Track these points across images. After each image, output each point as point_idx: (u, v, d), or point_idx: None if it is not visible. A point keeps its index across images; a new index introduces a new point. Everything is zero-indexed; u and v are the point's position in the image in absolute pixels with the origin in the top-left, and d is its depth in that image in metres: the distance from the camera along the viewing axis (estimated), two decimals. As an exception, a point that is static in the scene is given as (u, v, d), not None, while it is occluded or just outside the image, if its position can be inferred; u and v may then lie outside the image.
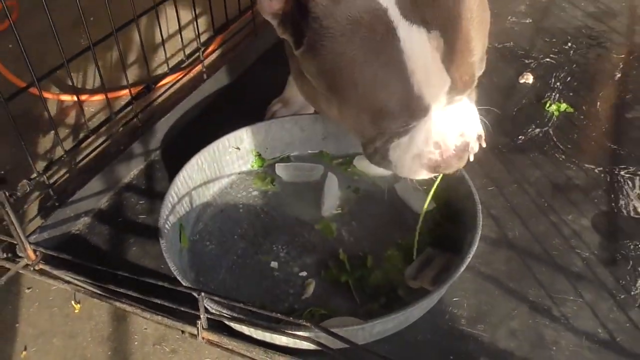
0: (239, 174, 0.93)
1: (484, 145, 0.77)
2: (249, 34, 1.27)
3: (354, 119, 0.70)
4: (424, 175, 0.71)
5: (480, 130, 0.82)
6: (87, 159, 0.92)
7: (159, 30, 1.05)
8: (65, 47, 0.79)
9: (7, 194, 0.65)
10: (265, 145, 0.94)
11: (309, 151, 0.96)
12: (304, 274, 0.77)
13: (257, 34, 1.26)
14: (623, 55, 1.20)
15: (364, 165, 0.92)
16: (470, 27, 0.63)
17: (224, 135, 0.89)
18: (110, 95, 0.99)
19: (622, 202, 0.86)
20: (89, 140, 0.92)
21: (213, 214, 0.87)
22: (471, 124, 0.70)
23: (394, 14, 0.59)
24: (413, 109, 0.64)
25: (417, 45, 0.60)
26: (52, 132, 1.03)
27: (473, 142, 0.70)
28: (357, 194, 0.90)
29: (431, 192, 0.78)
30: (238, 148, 0.91)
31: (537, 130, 1.01)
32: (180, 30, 1.10)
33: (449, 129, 0.67)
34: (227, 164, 0.91)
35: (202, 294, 0.61)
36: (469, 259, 0.69)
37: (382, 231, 0.83)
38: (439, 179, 0.77)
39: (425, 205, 0.78)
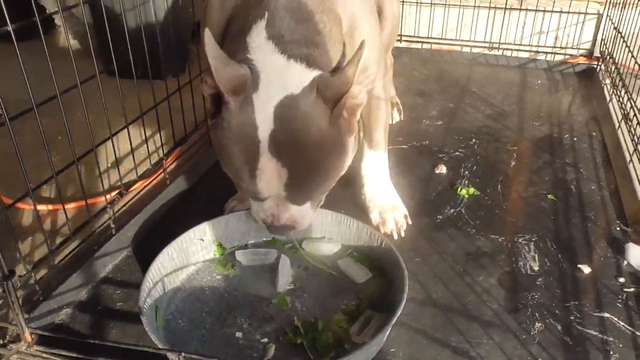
0: (203, 262, 1.07)
1: (409, 222, 1.11)
2: (204, 144, 1.47)
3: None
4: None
5: (405, 212, 1.11)
6: (67, 257, 1.05)
7: (128, 144, 1.22)
8: (36, 165, 0.92)
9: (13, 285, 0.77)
10: (225, 235, 1.09)
11: (264, 239, 1.13)
12: (265, 340, 0.90)
13: (212, 144, 1.45)
14: (516, 147, 1.47)
15: (311, 247, 1.10)
16: (315, 178, 0.86)
17: (189, 229, 1.05)
18: (89, 201, 1.13)
19: (521, 263, 1.06)
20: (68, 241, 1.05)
21: (183, 296, 0.99)
22: (300, 218, 0.93)
23: (263, 147, 0.81)
24: (257, 195, 0.88)
25: (269, 170, 0.83)
26: (29, 238, 1.16)
27: (300, 225, 0.94)
28: (306, 271, 1.05)
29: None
30: (202, 239, 1.07)
31: (452, 210, 1.22)
32: (147, 142, 1.28)
33: (281, 214, 0.91)
34: (193, 254, 1.06)
35: (182, 354, 0.74)
36: (396, 317, 0.85)
37: (329, 300, 0.98)
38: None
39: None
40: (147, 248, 1.09)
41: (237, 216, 1.10)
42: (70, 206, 1.25)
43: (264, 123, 0.81)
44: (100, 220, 1.12)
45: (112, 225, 1.12)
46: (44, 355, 0.83)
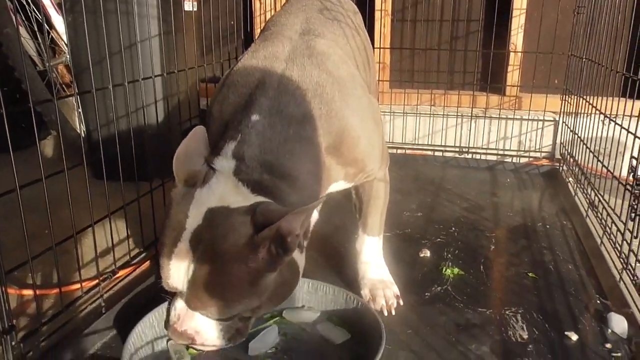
0: None
1: (401, 303, 1.16)
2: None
3: None
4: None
5: (397, 292, 1.19)
6: (56, 333, 1.03)
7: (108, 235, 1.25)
8: (19, 255, 0.92)
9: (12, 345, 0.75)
10: None
11: None
12: None
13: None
14: (494, 234, 1.54)
15: (291, 316, 1.12)
16: (215, 287, 0.87)
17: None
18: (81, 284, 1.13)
19: (510, 332, 1.08)
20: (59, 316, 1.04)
21: None
22: (202, 333, 0.93)
23: (184, 236, 0.87)
24: (165, 279, 0.90)
25: (180, 260, 0.87)
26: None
27: (199, 342, 0.94)
28: (286, 337, 1.07)
29: None
30: None
31: (439, 288, 1.25)
32: (127, 238, 1.31)
33: (181, 321, 0.93)
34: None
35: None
36: None
37: None
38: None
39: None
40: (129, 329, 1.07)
41: None
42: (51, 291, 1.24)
43: (195, 216, 0.87)
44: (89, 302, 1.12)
45: (103, 304, 1.12)
46: None
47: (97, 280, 1.13)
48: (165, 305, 1.02)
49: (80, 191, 1.06)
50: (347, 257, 1.38)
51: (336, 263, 1.36)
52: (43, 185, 0.93)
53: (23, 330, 1.11)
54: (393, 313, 1.15)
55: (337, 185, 1.11)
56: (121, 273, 1.25)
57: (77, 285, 1.14)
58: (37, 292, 1.21)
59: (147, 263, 1.34)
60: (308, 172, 0.96)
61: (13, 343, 0.76)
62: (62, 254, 1.33)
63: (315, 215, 1.03)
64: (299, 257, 0.97)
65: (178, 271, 0.87)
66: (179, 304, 0.92)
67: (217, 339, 0.93)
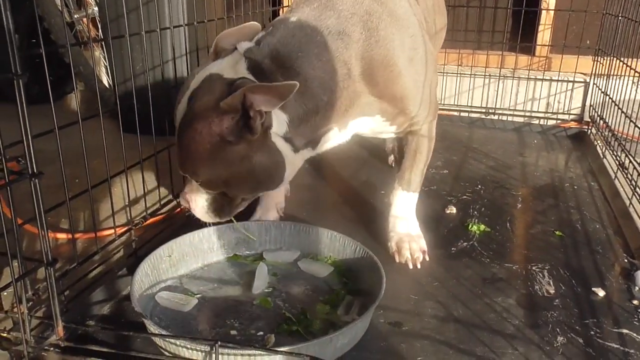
0: (172, 278, 1.09)
1: (427, 258, 1.17)
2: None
3: None
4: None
5: (424, 247, 1.18)
6: (92, 273, 1.06)
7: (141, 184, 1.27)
8: (53, 201, 0.93)
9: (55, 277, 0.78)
10: (190, 253, 1.12)
11: (226, 255, 1.16)
12: (261, 333, 0.93)
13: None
14: (520, 193, 1.53)
15: (271, 256, 1.16)
16: (184, 147, 0.95)
17: (160, 247, 1.08)
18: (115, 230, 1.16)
19: (537, 287, 1.09)
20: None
21: (164, 311, 0.99)
22: (192, 199, 1.04)
23: (187, 94, 0.96)
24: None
25: (179, 114, 0.97)
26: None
27: (192, 207, 1.05)
28: (276, 276, 1.10)
29: None
30: (170, 256, 1.09)
31: (465, 244, 1.26)
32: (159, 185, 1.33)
33: (186, 182, 1.04)
34: (164, 271, 1.07)
35: (218, 342, 0.74)
36: (383, 289, 0.94)
37: (307, 295, 1.04)
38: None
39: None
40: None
41: (199, 233, 1.14)
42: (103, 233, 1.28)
43: (197, 80, 0.96)
44: (122, 244, 1.15)
45: (134, 247, 1.15)
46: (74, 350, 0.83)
47: (129, 226, 1.16)
48: (154, 254, 1.06)
49: (109, 143, 1.07)
50: (373, 211, 1.39)
51: (364, 217, 1.37)
52: (80, 128, 0.94)
53: (59, 271, 1.14)
54: (418, 266, 1.16)
55: (373, 121, 1.09)
56: (151, 220, 1.27)
57: (111, 231, 1.17)
58: (74, 235, 1.26)
59: (178, 210, 1.36)
60: (317, 78, 0.96)
61: (56, 276, 0.79)
62: (94, 202, 1.36)
63: (338, 137, 1.08)
64: (287, 153, 0.99)
65: (177, 130, 0.97)
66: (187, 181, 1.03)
67: (202, 209, 1.04)
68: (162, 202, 1.32)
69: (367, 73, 1.00)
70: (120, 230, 1.15)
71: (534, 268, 1.16)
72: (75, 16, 2.19)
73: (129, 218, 1.21)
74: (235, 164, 0.94)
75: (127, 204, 1.29)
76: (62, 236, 1.27)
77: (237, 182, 0.98)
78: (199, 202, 1.03)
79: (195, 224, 1.26)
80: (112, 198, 1.11)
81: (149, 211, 1.26)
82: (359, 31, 0.99)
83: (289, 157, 0.99)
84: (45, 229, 0.75)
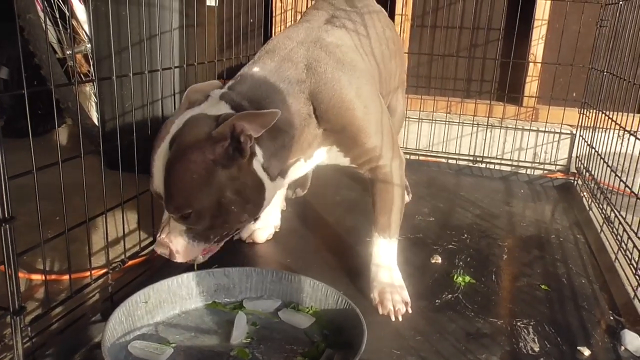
0: (148, 325, 1.05)
1: (409, 311, 1.16)
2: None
3: None
4: None
5: (406, 299, 1.18)
6: (62, 319, 1.02)
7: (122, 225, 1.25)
8: (30, 239, 0.92)
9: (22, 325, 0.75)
10: (168, 300, 1.09)
11: (204, 302, 1.13)
12: None
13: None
14: (506, 243, 1.52)
15: (252, 305, 1.13)
16: (174, 180, 0.97)
17: (135, 293, 1.04)
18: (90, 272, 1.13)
19: (521, 344, 1.06)
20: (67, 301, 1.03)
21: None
22: (174, 241, 1.03)
23: (167, 138, 0.99)
24: (155, 196, 1.02)
25: (159, 159, 0.98)
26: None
27: (174, 251, 1.04)
28: (255, 326, 1.07)
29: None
30: (146, 302, 1.05)
31: (450, 295, 1.24)
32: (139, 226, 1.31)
33: (163, 226, 1.04)
34: (139, 318, 1.04)
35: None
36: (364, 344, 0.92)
37: (286, 348, 1.01)
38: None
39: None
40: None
41: (178, 279, 1.11)
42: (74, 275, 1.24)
43: (178, 123, 1.00)
44: (98, 288, 1.12)
45: (110, 291, 1.11)
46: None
47: (106, 269, 1.13)
48: (130, 300, 1.02)
49: (94, 180, 1.06)
50: (358, 259, 1.37)
51: (348, 265, 1.35)
52: (59, 169, 0.93)
53: (31, 314, 1.11)
54: (400, 319, 1.13)
55: (329, 150, 1.20)
56: (130, 263, 1.24)
57: (87, 273, 1.14)
58: (47, 277, 1.22)
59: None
60: (283, 119, 1.05)
61: (22, 325, 0.76)
62: (72, 241, 1.33)
63: (303, 167, 1.19)
64: (265, 181, 1.05)
65: (157, 173, 0.98)
66: (164, 215, 1.03)
67: (184, 248, 1.03)
68: (142, 245, 1.29)
69: (320, 110, 1.12)
70: (96, 273, 1.12)
71: (519, 324, 1.13)
72: (68, 52, 2.20)
73: (107, 260, 1.18)
74: (228, 186, 0.99)
75: (106, 244, 1.26)
76: (36, 277, 1.24)
77: (228, 206, 1.01)
78: (180, 242, 1.03)
79: (174, 268, 1.24)
80: (89, 241, 1.09)
81: (128, 253, 1.24)
82: (310, 76, 1.11)
83: (267, 183, 1.06)
84: (14, 276, 0.72)
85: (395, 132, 1.53)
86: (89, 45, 2.17)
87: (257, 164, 1.03)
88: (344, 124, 1.14)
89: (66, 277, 1.14)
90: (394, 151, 1.22)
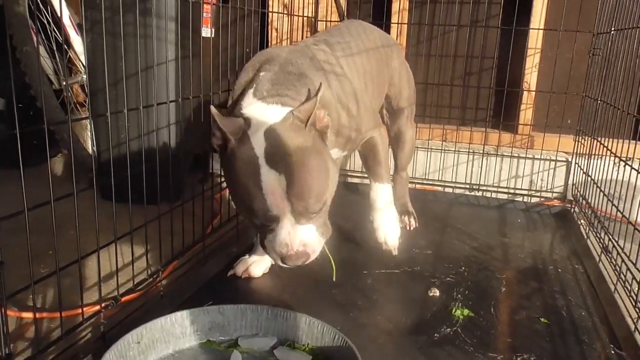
0: None
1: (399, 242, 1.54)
2: (197, 262, 1.48)
3: (242, 215, 1.23)
4: (279, 262, 1.10)
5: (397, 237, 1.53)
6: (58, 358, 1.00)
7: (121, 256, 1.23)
8: (22, 273, 0.91)
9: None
10: (161, 339, 1.07)
11: (199, 341, 1.11)
12: None
13: (206, 262, 1.47)
14: (504, 275, 1.51)
15: (247, 343, 1.11)
16: (307, 177, 1.05)
17: (128, 332, 1.02)
18: (82, 310, 1.10)
19: (522, 381, 1.05)
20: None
21: None
22: (309, 241, 1.09)
23: (261, 161, 1.04)
24: (267, 216, 1.05)
25: (270, 180, 1.03)
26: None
27: (311, 252, 1.10)
28: None
29: None
30: (138, 342, 1.03)
31: (448, 329, 1.22)
32: (132, 260, 1.29)
33: (293, 239, 1.07)
34: (131, 359, 1.01)
35: None
36: None
37: None
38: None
39: None
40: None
41: (172, 317, 1.09)
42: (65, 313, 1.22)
43: (258, 144, 1.05)
44: (90, 327, 1.10)
45: (102, 330, 1.09)
46: None
47: (99, 307, 1.11)
48: (122, 340, 1.00)
49: (88, 212, 1.05)
50: (355, 292, 1.36)
51: (344, 298, 1.33)
52: (51, 208, 0.92)
53: (21, 355, 1.08)
54: (395, 254, 1.53)
55: (334, 153, 1.30)
56: (124, 299, 1.23)
57: (79, 310, 1.12)
58: (37, 315, 1.20)
59: (153, 289, 1.32)
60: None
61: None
62: (65, 276, 1.31)
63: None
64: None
65: (273, 194, 1.03)
66: (282, 231, 1.06)
67: (317, 239, 1.11)
68: (136, 280, 1.27)
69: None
70: (89, 311, 1.10)
71: (519, 358, 1.11)
72: (64, 83, 2.20)
73: (100, 297, 1.16)
74: (333, 165, 1.14)
75: (98, 280, 1.24)
76: (27, 315, 1.22)
77: (336, 182, 1.16)
78: (314, 241, 1.10)
79: (169, 303, 1.22)
80: (81, 278, 1.07)
81: (121, 289, 1.22)
82: (312, 75, 1.23)
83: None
84: (3, 321, 0.71)
85: (406, 160, 1.88)
86: (85, 76, 2.18)
87: None
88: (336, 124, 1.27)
89: (57, 314, 1.11)
90: (375, 125, 1.45)
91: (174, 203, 1.42)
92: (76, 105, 2.26)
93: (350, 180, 2.38)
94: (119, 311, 1.21)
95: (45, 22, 2.18)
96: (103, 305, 1.12)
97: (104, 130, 1.89)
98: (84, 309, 1.10)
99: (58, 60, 2.18)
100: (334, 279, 1.33)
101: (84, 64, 2.15)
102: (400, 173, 1.89)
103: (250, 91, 1.17)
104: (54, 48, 2.15)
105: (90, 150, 2.19)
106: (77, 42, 2.17)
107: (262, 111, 1.11)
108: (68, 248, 1.05)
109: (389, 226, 1.51)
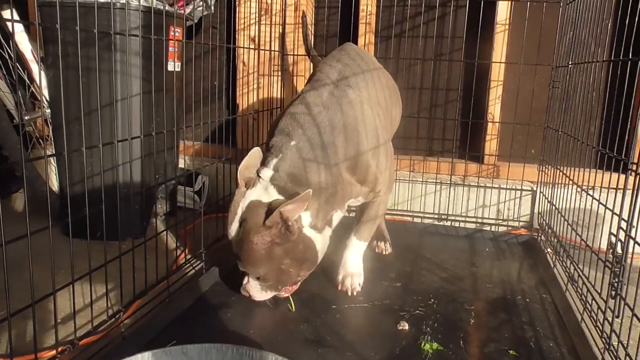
0: None
1: (359, 290, 1.59)
2: (162, 301, 1.43)
3: None
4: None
5: (360, 282, 1.60)
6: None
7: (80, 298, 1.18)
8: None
9: None
10: None
11: None
12: None
13: (170, 300, 1.43)
14: (473, 307, 1.50)
15: None
16: (247, 250, 1.32)
17: None
18: (40, 355, 1.05)
19: (492, 417, 1.03)
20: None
21: None
22: (251, 292, 1.42)
23: (237, 219, 1.37)
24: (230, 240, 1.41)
25: (234, 233, 1.38)
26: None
27: (254, 298, 1.43)
28: None
29: None
30: None
31: (417, 365, 1.20)
32: (91, 302, 1.25)
33: (244, 283, 1.43)
34: None
35: None
36: None
37: None
38: None
39: None
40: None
41: (168, 352, 1.05)
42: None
43: (242, 207, 1.36)
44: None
45: (60, 378, 1.04)
46: None
47: (54, 352, 1.06)
48: None
49: (48, 250, 1.01)
50: (323, 328, 1.33)
51: (313, 333, 1.31)
52: (3, 249, 0.88)
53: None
54: (354, 294, 1.55)
55: (355, 200, 1.55)
56: (82, 343, 1.18)
57: (32, 356, 1.07)
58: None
59: (113, 331, 1.27)
60: (324, 182, 1.38)
61: None
62: (22, 318, 1.26)
63: (339, 214, 1.51)
64: (316, 237, 1.39)
65: (234, 242, 1.37)
66: (245, 280, 1.42)
67: (262, 293, 1.42)
68: (95, 323, 1.22)
69: (351, 167, 1.43)
70: (43, 356, 1.05)
71: (488, 394, 1.10)
72: (26, 117, 2.16)
73: (56, 341, 1.11)
74: (284, 256, 1.34)
75: (55, 322, 1.20)
76: None
77: (287, 269, 1.37)
78: (255, 290, 1.41)
79: (130, 345, 1.18)
80: (35, 323, 1.03)
81: (79, 332, 1.17)
82: (340, 140, 1.40)
83: (317, 239, 1.40)
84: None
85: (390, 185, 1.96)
86: (48, 111, 2.14)
87: (306, 228, 1.36)
88: (367, 176, 1.47)
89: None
90: (391, 185, 1.61)
91: (138, 239, 1.38)
92: (39, 140, 2.21)
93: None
94: (77, 355, 1.16)
95: (7, 56, 2.14)
96: (59, 349, 1.07)
97: (65, 166, 1.85)
98: (39, 354, 1.05)
99: (20, 94, 2.14)
100: (293, 310, 1.44)
101: (47, 98, 2.11)
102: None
103: (274, 161, 1.37)
104: (16, 82, 2.12)
105: (54, 186, 2.14)
106: (41, 76, 2.14)
107: (263, 188, 1.36)
108: (25, 288, 1.00)
109: (348, 273, 1.60)
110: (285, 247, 1.33)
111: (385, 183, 1.54)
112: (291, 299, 1.45)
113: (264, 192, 1.35)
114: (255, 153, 1.41)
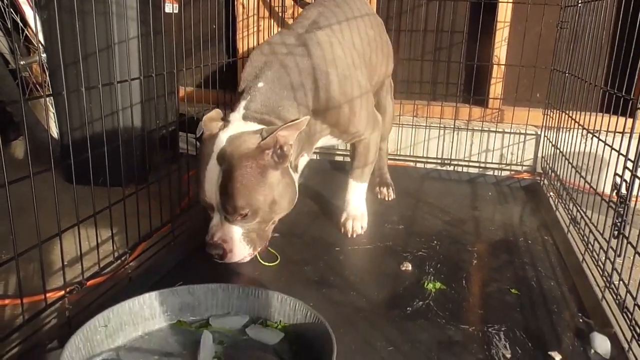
0: (109, 350, 1.00)
1: (361, 232, 1.59)
2: (167, 244, 1.44)
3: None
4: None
5: (364, 226, 1.61)
6: (18, 347, 0.97)
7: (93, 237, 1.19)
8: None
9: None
10: (129, 321, 1.04)
11: (169, 322, 1.09)
12: None
13: (175, 243, 1.44)
14: (476, 248, 1.52)
15: (218, 323, 1.09)
16: (239, 181, 1.19)
17: (95, 316, 0.98)
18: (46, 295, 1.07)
19: (493, 351, 1.05)
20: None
21: None
22: (229, 238, 1.26)
23: (213, 156, 1.22)
24: (204, 201, 1.26)
25: (211, 172, 1.22)
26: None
27: (229, 250, 1.26)
28: (223, 344, 1.03)
29: None
30: (105, 326, 1.00)
31: (421, 303, 1.22)
32: (97, 243, 1.26)
33: (215, 230, 1.27)
34: (98, 343, 0.98)
35: None
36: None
37: None
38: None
39: None
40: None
41: (140, 299, 1.06)
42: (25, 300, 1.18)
43: (219, 143, 1.23)
44: (54, 313, 1.06)
45: (67, 315, 1.06)
46: None
47: (62, 292, 1.07)
48: (88, 324, 0.97)
49: (51, 195, 1.01)
50: (326, 269, 1.35)
51: (315, 275, 1.32)
52: (6, 191, 0.88)
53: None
54: (355, 236, 1.56)
55: (326, 139, 1.50)
56: (90, 284, 1.19)
57: (41, 296, 1.09)
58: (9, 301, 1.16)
59: (120, 273, 1.28)
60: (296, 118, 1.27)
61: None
62: (29, 261, 1.28)
63: (306, 158, 1.46)
64: (295, 176, 1.34)
65: (210, 185, 1.22)
66: (214, 220, 1.27)
67: (239, 242, 1.26)
68: (102, 264, 1.24)
69: (319, 110, 1.38)
70: (52, 296, 1.07)
71: (490, 330, 1.12)
72: (22, 62, 2.12)
73: (64, 282, 1.12)
74: (276, 185, 1.25)
75: (62, 264, 1.21)
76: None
77: (278, 201, 1.26)
78: (233, 242, 1.25)
79: (138, 287, 1.19)
80: (42, 262, 1.03)
81: (87, 274, 1.18)
82: (308, 83, 1.35)
83: (295, 178, 1.34)
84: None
85: (387, 131, 1.95)
86: (44, 55, 2.09)
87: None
88: (337, 120, 1.42)
89: (19, 301, 1.07)
90: (374, 126, 1.56)
91: (141, 184, 1.38)
92: (35, 86, 2.17)
93: (329, 158, 2.36)
94: (85, 296, 1.18)
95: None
96: (67, 290, 1.08)
97: (64, 111, 1.83)
98: (47, 294, 1.06)
99: (14, 38, 2.09)
100: (272, 265, 1.38)
101: (42, 42, 2.07)
102: (380, 145, 1.88)
103: (243, 103, 1.30)
104: (10, 26, 2.06)
105: (53, 132, 2.12)
106: (34, 20, 2.08)
107: (240, 123, 1.27)
108: (30, 232, 1.00)
109: (351, 215, 1.60)
110: (277, 175, 1.25)
111: (363, 124, 1.49)
112: (270, 249, 1.40)
113: (243, 126, 1.26)
114: (217, 110, 1.36)
